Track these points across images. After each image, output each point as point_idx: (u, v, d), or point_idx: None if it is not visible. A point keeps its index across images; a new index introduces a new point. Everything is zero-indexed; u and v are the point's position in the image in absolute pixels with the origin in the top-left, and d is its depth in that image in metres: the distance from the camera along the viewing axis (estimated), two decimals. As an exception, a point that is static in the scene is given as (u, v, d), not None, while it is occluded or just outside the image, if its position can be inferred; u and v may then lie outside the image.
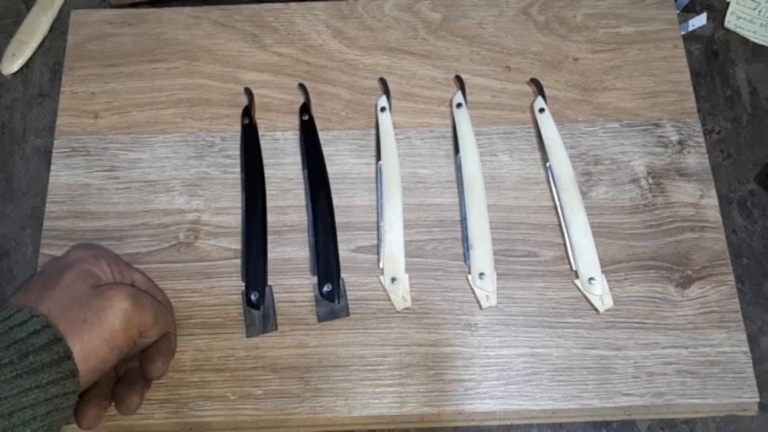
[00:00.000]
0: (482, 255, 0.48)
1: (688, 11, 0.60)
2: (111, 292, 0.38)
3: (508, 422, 0.46)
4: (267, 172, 0.52)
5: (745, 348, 0.46)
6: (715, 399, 0.45)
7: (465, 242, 0.49)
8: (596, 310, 0.47)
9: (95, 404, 0.39)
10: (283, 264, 0.49)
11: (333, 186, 0.51)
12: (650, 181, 0.51)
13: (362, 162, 0.52)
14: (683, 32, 0.58)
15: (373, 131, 0.54)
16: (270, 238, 0.49)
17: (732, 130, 0.56)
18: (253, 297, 0.47)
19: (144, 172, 0.52)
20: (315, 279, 0.48)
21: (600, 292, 0.47)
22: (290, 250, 0.49)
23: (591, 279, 0.47)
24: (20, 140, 0.56)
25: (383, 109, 0.53)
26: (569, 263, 0.49)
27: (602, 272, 0.48)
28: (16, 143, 0.56)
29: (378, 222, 0.50)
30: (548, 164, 0.51)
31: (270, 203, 0.51)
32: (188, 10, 0.58)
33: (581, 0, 0.58)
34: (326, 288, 0.47)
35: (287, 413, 0.45)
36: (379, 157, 0.52)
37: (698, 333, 0.46)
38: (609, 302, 0.47)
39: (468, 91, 0.55)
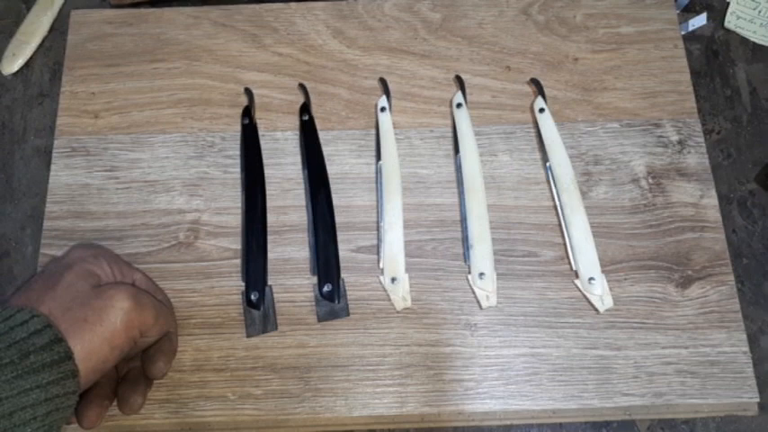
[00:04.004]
0: (482, 255, 0.48)
1: (688, 11, 0.60)
2: (111, 291, 0.38)
3: (508, 422, 0.46)
4: (267, 172, 0.52)
5: (745, 348, 0.46)
6: (715, 399, 0.45)
7: (465, 242, 0.49)
8: (596, 310, 0.47)
9: (97, 404, 0.39)
10: (283, 264, 0.49)
11: (333, 186, 0.51)
12: (650, 181, 0.51)
13: (362, 162, 0.53)
14: (683, 32, 0.58)
15: (373, 131, 0.54)
16: (270, 238, 0.49)
17: (732, 130, 0.56)
18: (253, 297, 0.47)
19: (144, 172, 0.52)
20: (315, 279, 0.48)
21: (600, 292, 0.47)
22: (290, 250, 0.49)
23: (591, 279, 0.47)
24: (20, 140, 0.56)
25: (383, 109, 0.53)
26: (569, 263, 0.49)
27: (602, 272, 0.48)
28: (16, 143, 0.56)
29: (378, 222, 0.50)
30: (548, 164, 0.51)
31: (270, 203, 0.51)
32: (188, 10, 0.59)
33: (581, 0, 0.58)
34: (326, 288, 0.47)
35: (287, 413, 0.45)
36: (379, 157, 0.52)
37: (698, 333, 0.46)
38: (609, 302, 0.47)
39: (468, 91, 0.55)
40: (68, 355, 0.34)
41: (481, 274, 0.47)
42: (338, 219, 0.50)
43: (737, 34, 0.60)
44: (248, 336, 0.47)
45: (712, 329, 0.47)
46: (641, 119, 0.54)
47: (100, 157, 0.53)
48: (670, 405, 0.45)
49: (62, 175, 0.52)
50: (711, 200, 0.51)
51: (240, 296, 0.48)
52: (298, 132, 0.54)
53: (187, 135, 0.54)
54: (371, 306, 0.48)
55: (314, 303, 0.48)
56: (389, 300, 0.48)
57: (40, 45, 0.60)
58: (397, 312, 0.47)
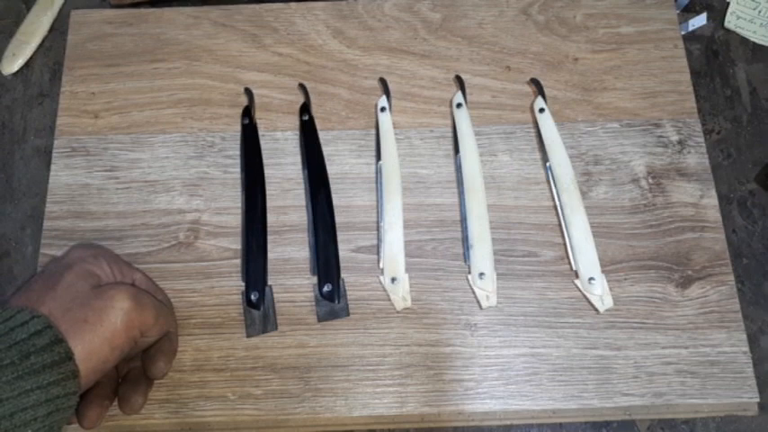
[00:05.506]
0: (482, 255, 0.48)
1: (688, 11, 0.60)
2: (112, 291, 0.38)
3: (508, 422, 0.46)
4: (267, 172, 0.52)
5: (745, 348, 0.46)
6: (715, 399, 0.45)
7: (465, 242, 0.49)
8: (596, 310, 0.47)
9: (97, 404, 0.39)
10: (283, 264, 0.49)
11: (333, 186, 0.51)
12: (650, 181, 0.51)
13: (362, 162, 0.53)
14: (683, 32, 0.58)
15: (373, 131, 0.54)
16: (270, 238, 0.50)
17: (732, 130, 0.56)
18: (253, 297, 0.47)
19: (144, 172, 0.52)
20: (315, 279, 0.48)
21: (600, 292, 0.47)
22: (290, 250, 0.50)
23: (591, 279, 0.47)
24: (20, 140, 0.56)
25: (383, 109, 0.53)
26: (569, 263, 0.49)
27: (602, 272, 0.48)
28: (16, 143, 0.56)
29: (378, 222, 0.50)
30: (548, 164, 0.51)
31: (270, 203, 0.51)
32: (188, 10, 0.58)
33: (581, 0, 0.58)
34: (326, 288, 0.47)
35: (287, 413, 0.45)
36: (379, 157, 0.52)
37: (698, 333, 0.46)
38: (609, 302, 0.47)
39: (468, 91, 0.55)
40: (69, 356, 0.34)
41: (481, 274, 0.47)
42: (338, 219, 0.50)
43: (737, 34, 0.60)
44: (248, 336, 0.47)
45: (712, 329, 0.47)
46: (641, 119, 0.54)
47: (100, 157, 0.53)
48: (670, 405, 0.45)
49: (62, 175, 0.52)
50: (711, 200, 0.51)
51: (240, 296, 0.48)
52: (298, 132, 0.54)
53: (187, 135, 0.54)
54: (371, 306, 0.48)
55: (314, 303, 0.48)
56: (389, 300, 0.48)
57: (40, 45, 0.60)
58: (397, 312, 0.47)
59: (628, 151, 0.52)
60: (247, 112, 0.54)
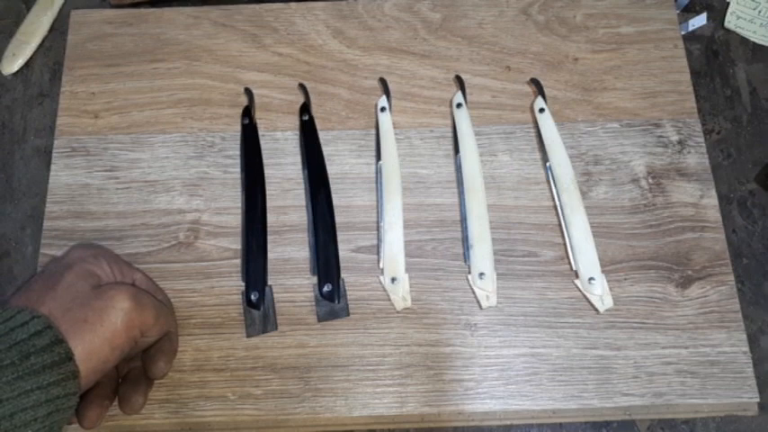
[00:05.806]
0: (482, 255, 0.48)
1: (688, 11, 0.60)
2: (112, 291, 0.38)
3: (508, 422, 0.46)
4: (267, 172, 0.52)
5: (745, 348, 0.46)
6: (715, 399, 0.45)
7: (465, 242, 0.49)
8: (596, 310, 0.47)
9: (97, 404, 0.39)
10: (283, 264, 0.49)
11: (333, 186, 0.51)
12: (650, 181, 0.51)
13: (362, 162, 0.53)
14: (683, 32, 0.58)
15: (373, 131, 0.54)
16: (270, 238, 0.50)
17: (732, 130, 0.56)
18: (253, 297, 0.47)
19: (144, 172, 0.52)
20: (315, 279, 0.48)
21: (600, 292, 0.47)
22: (290, 250, 0.50)
23: (591, 279, 0.47)
24: (20, 140, 0.56)
25: (383, 109, 0.53)
26: (569, 263, 0.49)
27: (602, 272, 0.48)
28: (16, 143, 0.56)
29: (378, 222, 0.50)
30: (548, 164, 0.51)
31: (270, 203, 0.51)
32: (188, 10, 0.58)
33: (581, 0, 0.58)
34: (326, 288, 0.47)
35: (287, 413, 0.45)
36: (379, 157, 0.52)
37: (698, 333, 0.46)
38: (609, 302, 0.47)
39: (468, 91, 0.55)
40: (69, 356, 0.34)
41: (481, 274, 0.47)
42: (338, 219, 0.50)
43: (737, 34, 0.60)
44: (248, 336, 0.47)
45: (712, 329, 0.47)
46: (641, 119, 0.54)
47: (100, 157, 0.53)
48: (670, 405, 0.45)
49: (62, 175, 0.52)
50: (711, 200, 0.51)
51: (240, 296, 0.48)
52: (298, 132, 0.54)
53: (187, 135, 0.54)
54: (371, 306, 0.48)
55: (314, 303, 0.48)
56: (389, 300, 0.48)
57: (40, 45, 0.60)
58: (397, 312, 0.47)
59: (628, 151, 0.52)
60: (247, 112, 0.54)
